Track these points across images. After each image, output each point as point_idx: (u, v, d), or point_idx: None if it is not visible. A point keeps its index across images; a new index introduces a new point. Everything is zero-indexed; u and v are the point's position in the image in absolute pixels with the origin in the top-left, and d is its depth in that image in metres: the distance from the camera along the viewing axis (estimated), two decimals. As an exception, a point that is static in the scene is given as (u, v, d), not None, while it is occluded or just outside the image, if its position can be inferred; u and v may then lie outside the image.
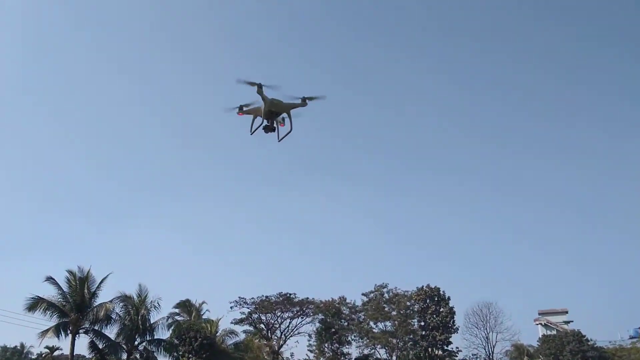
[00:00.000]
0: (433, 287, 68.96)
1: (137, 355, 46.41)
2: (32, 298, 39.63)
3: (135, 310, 45.17)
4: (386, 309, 70.31)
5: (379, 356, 71.18)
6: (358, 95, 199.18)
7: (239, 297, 72.22)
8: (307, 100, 18.70)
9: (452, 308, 67.94)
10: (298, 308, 72.79)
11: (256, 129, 19.57)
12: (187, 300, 61.12)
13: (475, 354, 71.70)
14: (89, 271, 42.13)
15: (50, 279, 40.84)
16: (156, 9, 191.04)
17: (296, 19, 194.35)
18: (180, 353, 51.15)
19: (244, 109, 19.30)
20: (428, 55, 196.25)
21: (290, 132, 19.56)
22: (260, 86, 18.21)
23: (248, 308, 72.44)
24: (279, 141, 19.76)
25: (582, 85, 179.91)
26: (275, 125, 19.34)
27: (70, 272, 41.95)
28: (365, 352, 70.40)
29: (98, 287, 42.23)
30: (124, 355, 45.09)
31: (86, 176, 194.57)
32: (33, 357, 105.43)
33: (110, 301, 42.81)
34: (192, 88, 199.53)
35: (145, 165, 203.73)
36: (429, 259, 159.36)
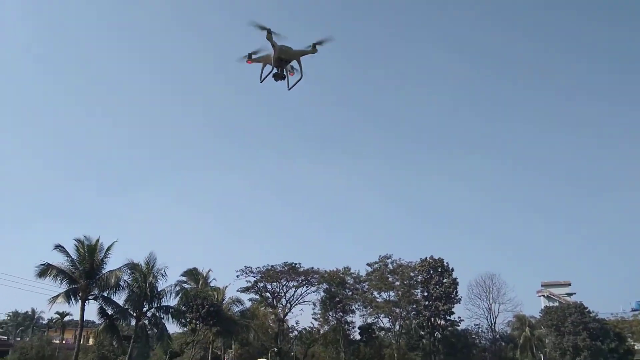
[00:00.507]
0: (437, 258, 69.57)
1: (146, 322, 47.34)
2: (42, 265, 40.02)
3: (143, 278, 45.76)
4: (390, 279, 71.17)
5: (382, 325, 72.54)
6: (369, 69, 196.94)
7: (245, 266, 73.43)
8: (316, 46, 18.05)
9: (455, 279, 68.71)
10: (303, 277, 73.79)
11: (266, 76, 19.08)
12: (194, 269, 62.02)
13: (477, 324, 72.92)
14: (97, 240, 42.46)
15: (59, 247, 41.22)
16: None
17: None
18: (188, 319, 52.26)
19: (253, 57, 18.80)
20: (433, 30, 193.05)
21: (300, 79, 19.12)
22: (270, 31, 17.62)
23: (254, 277, 73.67)
24: (289, 89, 19.38)
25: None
26: (285, 73, 18.83)
27: (78, 240, 42.29)
28: (369, 320, 71.74)
29: (105, 254, 42.63)
30: (133, 321, 46.00)
31: (97, 144, 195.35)
32: (44, 322, 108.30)
33: (119, 269, 43.29)
34: (203, 67, 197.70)
35: (155, 137, 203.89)
36: (434, 230, 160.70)
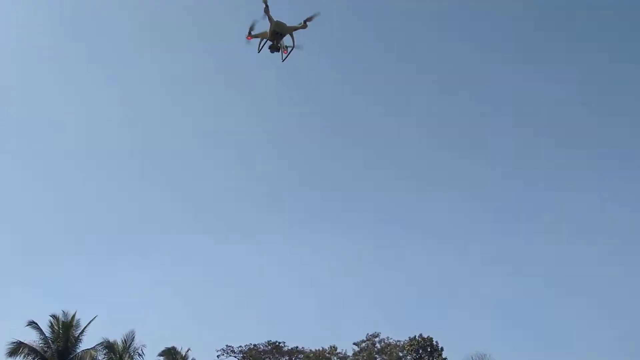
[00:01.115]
0: (426, 337, 67.84)
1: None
2: (14, 343, 38.65)
3: (119, 358, 43.72)
4: (378, 359, 68.76)
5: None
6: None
7: (227, 345, 70.25)
8: (306, 22, 20.85)
9: (445, 359, 66.65)
10: (287, 357, 70.94)
11: (262, 47, 21.43)
12: (173, 348, 59.17)
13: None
14: (73, 316, 41.20)
15: (32, 324, 39.85)
16: None
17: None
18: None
19: (252, 33, 21.12)
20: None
21: (293, 48, 21.59)
22: (267, 6, 20.08)
23: (235, 357, 70.57)
24: (283, 61, 21.99)
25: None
26: (279, 45, 21.27)
27: (53, 316, 41.02)
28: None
29: (82, 332, 41.27)
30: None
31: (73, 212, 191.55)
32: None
33: (94, 347, 41.56)
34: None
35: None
36: (422, 303, 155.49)
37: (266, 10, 20.22)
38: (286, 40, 21.72)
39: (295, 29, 21.03)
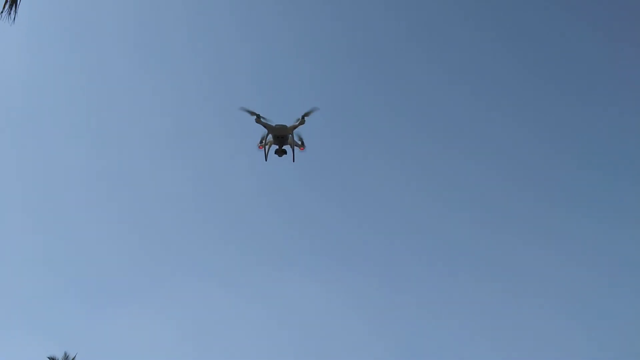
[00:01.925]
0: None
1: None
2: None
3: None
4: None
5: None
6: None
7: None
8: (304, 118, 19.83)
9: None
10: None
11: (268, 153, 20.75)
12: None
13: None
14: (73, 358, 36.73)
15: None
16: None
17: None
18: None
19: (263, 142, 20.45)
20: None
21: (301, 146, 20.97)
22: (258, 116, 19.34)
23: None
24: (293, 161, 21.09)
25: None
26: (284, 148, 20.54)
27: (52, 358, 36.69)
28: None
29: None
30: None
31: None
32: None
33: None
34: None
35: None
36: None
37: (258, 121, 19.49)
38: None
39: (296, 127, 20.19)
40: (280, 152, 20.56)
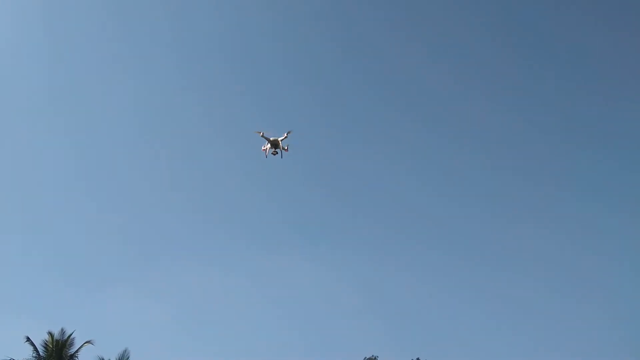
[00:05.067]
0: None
1: None
2: (7, 360, 38.21)
3: (114, 377, 42.83)
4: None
5: None
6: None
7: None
8: (287, 135, 32.93)
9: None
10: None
11: (267, 154, 33.55)
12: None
13: None
14: (70, 335, 40.51)
15: (28, 340, 39.51)
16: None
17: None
18: None
19: (264, 147, 33.51)
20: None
21: (286, 149, 33.65)
22: (263, 135, 33.18)
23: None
24: (281, 158, 33.67)
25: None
26: (277, 150, 33.18)
27: (50, 333, 40.37)
28: None
29: (77, 351, 40.62)
30: None
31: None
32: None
33: (88, 367, 40.78)
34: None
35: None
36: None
37: (262, 136, 33.17)
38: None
39: (283, 139, 33.12)
40: (274, 153, 33.26)
